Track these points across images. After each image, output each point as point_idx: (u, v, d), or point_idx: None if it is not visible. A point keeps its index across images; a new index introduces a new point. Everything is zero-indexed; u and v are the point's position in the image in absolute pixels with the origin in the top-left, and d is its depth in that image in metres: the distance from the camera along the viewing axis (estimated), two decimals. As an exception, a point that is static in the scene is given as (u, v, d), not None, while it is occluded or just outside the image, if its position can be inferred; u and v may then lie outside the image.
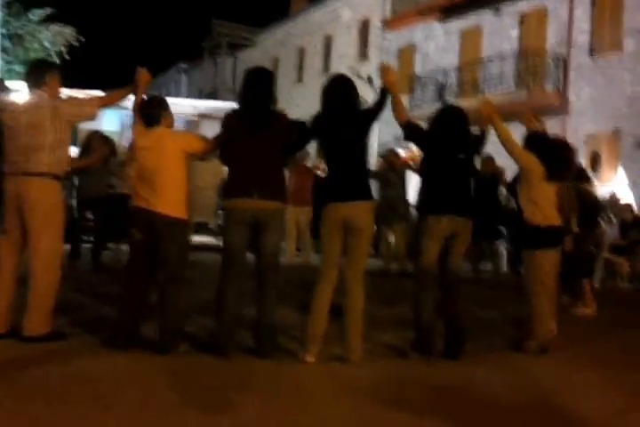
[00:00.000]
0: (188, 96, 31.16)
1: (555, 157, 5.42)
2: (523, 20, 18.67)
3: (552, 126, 15.01)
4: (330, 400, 3.76)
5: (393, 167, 10.15)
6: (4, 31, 16.93)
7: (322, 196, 4.81)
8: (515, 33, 18.75)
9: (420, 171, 5.31)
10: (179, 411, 3.39)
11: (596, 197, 8.39)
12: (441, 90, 19.42)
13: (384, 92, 4.80)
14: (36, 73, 4.80)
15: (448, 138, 4.97)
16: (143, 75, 4.87)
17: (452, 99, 18.59)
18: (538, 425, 3.49)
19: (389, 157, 10.36)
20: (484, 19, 19.64)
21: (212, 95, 29.73)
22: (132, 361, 4.34)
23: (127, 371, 4.14)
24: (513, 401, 3.91)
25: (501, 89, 17.32)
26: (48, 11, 20.05)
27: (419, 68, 21.43)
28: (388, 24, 23.43)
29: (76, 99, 4.96)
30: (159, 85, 37.91)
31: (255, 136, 4.58)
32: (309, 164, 11.38)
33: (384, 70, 4.90)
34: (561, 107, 16.75)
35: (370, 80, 19.40)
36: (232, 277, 4.59)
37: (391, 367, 4.59)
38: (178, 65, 39.02)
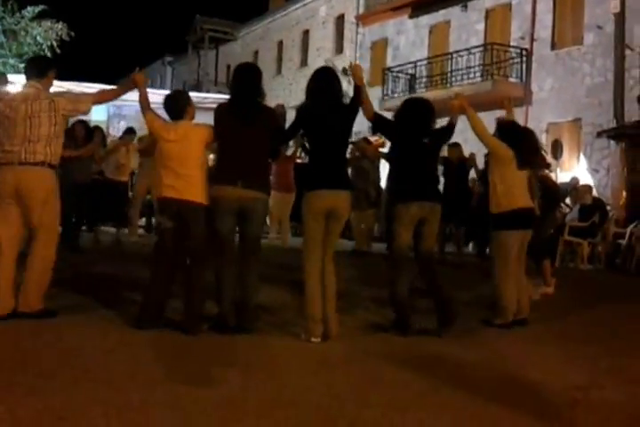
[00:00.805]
0: (173, 87, 30.84)
1: (525, 144, 5.49)
2: (488, 15, 18.63)
3: (516, 115, 15.03)
4: (307, 375, 3.75)
5: (365, 154, 10.05)
6: (-1, 27, 16.80)
7: (304, 182, 4.79)
8: (480, 28, 18.73)
9: (388, 159, 5.32)
10: (164, 385, 3.38)
11: (554, 182, 8.43)
12: (411, 81, 19.38)
13: (357, 88, 4.80)
14: (41, 66, 4.82)
15: (412, 126, 4.98)
16: (139, 77, 4.87)
17: (422, 90, 18.59)
18: (504, 399, 3.47)
19: (361, 144, 10.24)
20: (451, 14, 19.57)
21: (196, 87, 29.47)
22: (120, 337, 4.33)
23: (114, 346, 4.12)
24: (481, 377, 3.90)
25: (468, 80, 17.32)
26: (41, 8, 19.85)
27: (390, 61, 21.33)
28: (361, 19, 23.31)
29: (71, 94, 4.95)
30: (145, 76, 37.49)
31: (243, 128, 4.58)
32: (288, 151, 11.27)
33: (351, 68, 4.89)
34: (524, 97, 16.76)
35: (345, 72, 19.32)
36: (226, 260, 4.63)
37: (367, 344, 4.59)
38: (163, 58, 38.62)
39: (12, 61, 19.21)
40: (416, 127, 4.98)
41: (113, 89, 4.96)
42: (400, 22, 21.53)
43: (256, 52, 29.89)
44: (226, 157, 4.66)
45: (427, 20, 20.53)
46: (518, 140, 5.43)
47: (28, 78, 4.77)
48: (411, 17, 21.07)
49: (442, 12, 19.89)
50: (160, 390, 3.28)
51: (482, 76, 17.22)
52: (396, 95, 19.10)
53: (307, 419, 3.03)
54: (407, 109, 5.09)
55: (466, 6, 19.03)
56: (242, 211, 4.58)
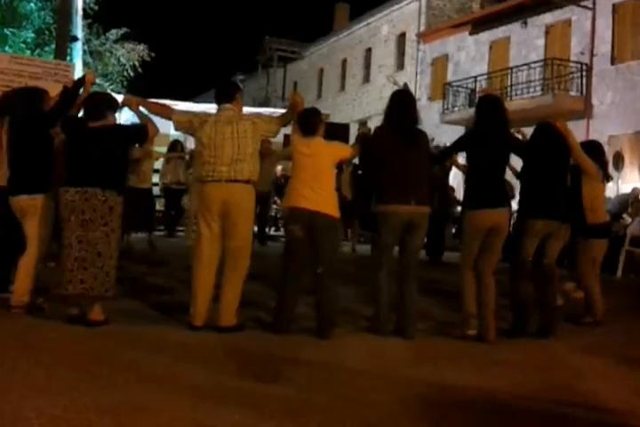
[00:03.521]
0: (244, 104, 31.34)
1: (603, 159, 5.82)
2: (548, 31, 18.34)
3: (577, 129, 14.70)
4: (373, 375, 3.74)
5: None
6: (85, 48, 17.27)
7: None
8: (540, 43, 18.44)
9: (520, 177, 5.42)
10: (235, 381, 3.45)
11: None
12: (471, 96, 19.21)
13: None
14: (228, 91, 4.87)
15: (546, 149, 5.13)
16: (300, 98, 4.93)
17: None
18: (562, 405, 3.39)
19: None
20: (512, 30, 19.35)
21: (265, 103, 29.87)
22: (194, 336, 4.41)
23: (190, 345, 4.20)
24: (540, 382, 3.81)
25: (529, 94, 17.05)
26: (124, 30, 20.47)
27: (451, 77, 21.21)
28: (422, 37, 23.25)
29: (265, 116, 4.97)
30: (217, 95, 38.23)
31: (408, 151, 4.74)
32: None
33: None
34: (585, 111, 16.41)
35: (406, 87, 19.20)
36: (387, 271, 4.77)
37: (434, 347, 4.57)
38: (235, 76, 39.27)
39: (97, 81, 19.89)
40: (548, 150, 5.13)
41: (286, 113, 4.95)
42: (460, 39, 21.39)
43: (321, 70, 30.15)
44: (394, 177, 4.74)
45: (487, 36, 20.35)
46: (599, 156, 5.72)
47: (219, 102, 4.79)
48: (471, 34, 20.92)
49: (502, 28, 19.68)
50: (231, 386, 3.35)
51: (542, 90, 16.94)
52: (456, 109, 18.99)
53: (370, 417, 3.03)
54: (540, 134, 5.22)
55: (526, 23, 18.80)
56: (410, 224, 4.72)
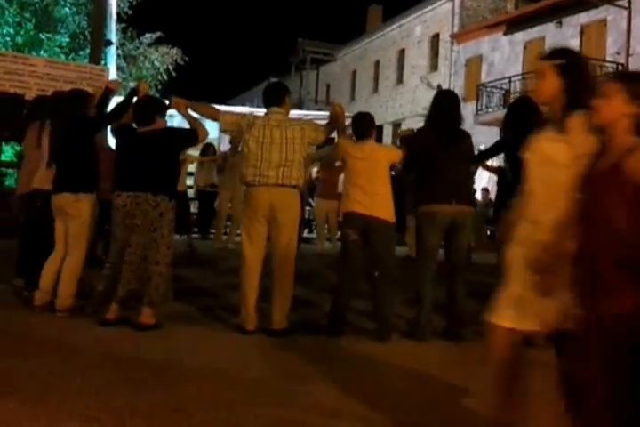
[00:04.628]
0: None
1: None
2: (583, 30, 18.11)
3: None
4: (405, 378, 3.75)
5: None
6: (119, 52, 17.43)
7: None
8: (575, 43, 18.18)
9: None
10: (267, 382, 3.48)
11: None
12: (505, 96, 19.03)
13: None
14: (278, 94, 4.77)
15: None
16: (341, 109, 4.86)
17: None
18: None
19: None
20: (546, 30, 19.14)
21: (298, 105, 29.93)
22: (226, 339, 4.41)
23: (221, 348, 4.21)
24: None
25: (563, 95, 16.84)
26: (157, 34, 20.65)
27: (485, 77, 21.03)
28: (456, 38, 23.11)
29: (313, 123, 4.89)
30: (252, 97, 38.51)
31: (452, 151, 4.68)
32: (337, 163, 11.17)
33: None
34: (621, 111, 16.14)
35: (439, 88, 19.07)
36: (431, 273, 4.66)
37: (467, 349, 4.47)
38: (268, 79, 39.47)
39: (131, 84, 20.07)
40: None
41: (330, 123, 4.88)
42: (495, 39, 21.21)
43: (354, 72, 30.15)
44: (435, 177, 4.67)
45: (521, 36, 20.16)
46: None
47: (267, 105, 4.72)
48: (505, 34, 20.74)
49: (536, 28, 19.49)
50: (263, 386, 3.37)
51: (577, 90, 16.71)
52: (489, 110, 18.83)
53: (403, 418, 3.03)
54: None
55: (560, 22, 18.60)
56: (453, 224, 4.65)
